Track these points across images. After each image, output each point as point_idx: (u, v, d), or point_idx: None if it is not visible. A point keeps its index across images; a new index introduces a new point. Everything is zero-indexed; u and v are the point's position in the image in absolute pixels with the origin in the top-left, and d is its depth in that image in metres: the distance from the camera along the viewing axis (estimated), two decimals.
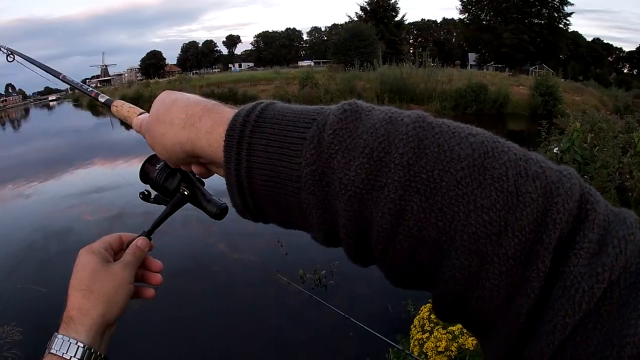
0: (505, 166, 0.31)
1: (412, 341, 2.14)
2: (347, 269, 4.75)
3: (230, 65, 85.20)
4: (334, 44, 42.30)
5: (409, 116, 0.35)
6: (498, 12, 45.07)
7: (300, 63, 74.07)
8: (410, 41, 71.18)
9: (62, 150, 16.34)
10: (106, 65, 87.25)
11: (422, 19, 78.58)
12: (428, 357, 1.95)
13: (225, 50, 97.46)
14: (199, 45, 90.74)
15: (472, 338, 1.90)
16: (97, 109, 34.99)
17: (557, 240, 0.29)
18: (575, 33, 59.70)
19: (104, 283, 0.60)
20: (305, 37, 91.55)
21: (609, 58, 71.30)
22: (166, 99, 0.54)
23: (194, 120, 0.48)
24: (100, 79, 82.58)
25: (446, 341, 1.90)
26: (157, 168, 0.67)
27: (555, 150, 3.71)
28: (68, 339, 0.56)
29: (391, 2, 50.85)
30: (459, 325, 1.99)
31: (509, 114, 20.38)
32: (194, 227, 6.44)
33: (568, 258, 0.29)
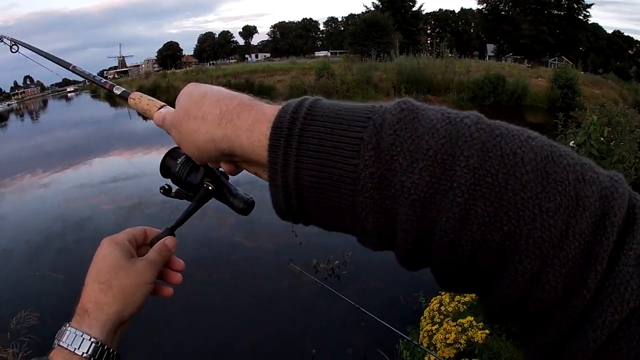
0: (566, 170, 0.31)
1: (421, 333, 2.15)
2: (360, 259, 4.78)
3: (246, 56, 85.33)
4: (351, 34, 42.03)
5: (468, 117, 0.35)
6: (517, 3, 44.29)
7: (317, 53, 73.80)
8: (428, 31, 70.07)
9: (80, 140, 16.64)
10: (123, 57, 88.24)
11: (440, 9, 77.22)
12: (437, 349, 1.96)
13: (241, 41, 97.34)
14: (216, 36, 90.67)
15: (482, 331, 1.91)
16: (114, 100, 35.39)
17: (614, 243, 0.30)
18: (595, 25, 58.23)
19: (124, 279, 0.57)
20: (321, 27, 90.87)
21: (630, 51, 69.21)
22: (194, 91, 0.51)
23: (231, 116, 0.46)
24: (118, 70, 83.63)
25: (455, 333, 1.91)
26: (178, 162, 0.64)
27: (571, 144, 3.66)
28: (81, 333, 0.53)
29: None
30: (469, 318, 2.00)
31: (527, 106, 20.02)
32: (210, 216, 6.51)
33: (618, 258, 0.30)
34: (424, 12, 56.80)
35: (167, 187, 0.67)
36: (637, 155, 3.68)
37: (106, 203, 8.46)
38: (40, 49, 0.99)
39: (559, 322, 0.31)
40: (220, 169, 0.61)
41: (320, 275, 4.48)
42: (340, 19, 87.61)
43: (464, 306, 2.17)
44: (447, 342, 1.92)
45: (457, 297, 2.25)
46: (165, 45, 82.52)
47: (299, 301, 4.60)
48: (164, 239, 0.64)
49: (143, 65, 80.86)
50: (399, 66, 22.97)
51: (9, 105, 58.13)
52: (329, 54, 64.11)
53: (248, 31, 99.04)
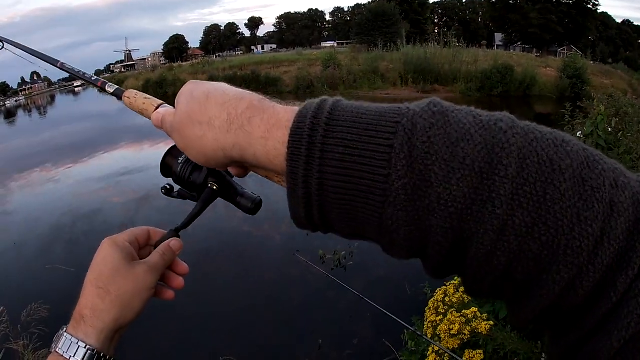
0: (602, 176, 0.31)
1: (426, 323, 2.16)
2: (366, 250, 4.79)
3: (252, 48, 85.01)
4: (357, 25, 41.83)
5: (501, 120, 0.33)
6: None
7: (323, 44, 73.40)
8: (435, 21, 69.41)
9: (88, 134, 16.73)
10: (130, 51, 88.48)
11: None
12: (441, 339, 1.97)
13: (247, 33, 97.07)
14: (221, 28, 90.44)
15: (485, 322, 1.92)
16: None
17: None
18: (605, 14, 57.63)
19: (123, 285, 0.54)
20: (328, 17, 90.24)
21: None
22: (195, 91, 0.47)
23: (241, 122, 0.42)
24: (124, 64, 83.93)
25: (459, 324, 1.92)
26: (179, 161, 0.61)
27: (578, 134, 3.63)
28: (77, 340, 0.52)
29: None
30: (474, 309, 2.00)
31: (535, 96, 19.84)
32: (217, 206, 6.54)
33: None
34: (431, 1, 56.51)
35: (168, 186, 0.65)
36: None
37: (115, 196, 8.54)
38: (29, 46, 0.95)
39: (584, 323, 0.31)
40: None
41: (327, 267, 4.49)
42: (346, 9, 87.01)
43: (469, 297, 2.17)
44: (451, 332, 1.92)
45: (462, 288, 2.25)
46: (171, 38, 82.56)
47: (305, 292, 4.63)
48: (168, 240, 0.61)
49: (149, 59, 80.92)
50: (406, 56, 22.87)
51: (16, 101, 58.64)
52: (335, 45, 63.72)
53: (254, 22, 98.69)
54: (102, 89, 0.75)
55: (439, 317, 2.09)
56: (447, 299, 2.15)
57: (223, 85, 0.47)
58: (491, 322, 1.93)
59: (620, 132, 3.56)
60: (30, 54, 0.93)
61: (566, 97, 16.42)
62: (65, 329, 0.54)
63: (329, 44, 70.62)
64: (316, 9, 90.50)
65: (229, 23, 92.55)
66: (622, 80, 24.88)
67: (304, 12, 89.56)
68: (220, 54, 73.15)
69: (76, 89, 63.89)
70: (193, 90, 0.47)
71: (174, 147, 0.61)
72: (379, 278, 4.61)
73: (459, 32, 35.54)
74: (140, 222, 6.55)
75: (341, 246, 4.72)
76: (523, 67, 21.12)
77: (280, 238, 5.84)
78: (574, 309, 0.32)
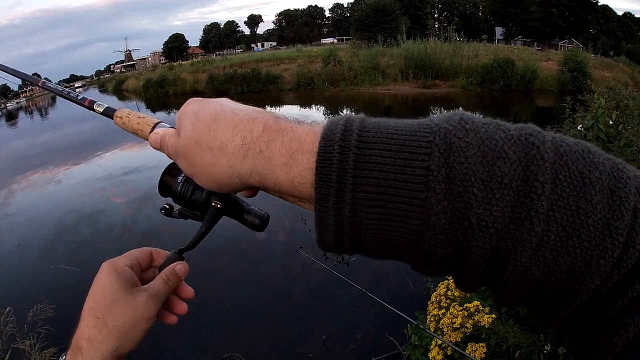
0: (628, 185, 0.31)
1: (428, 317, 2.17)
2: None
3: (253, 46, 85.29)
4: (357, 21, 41.80)
5: (532, 135, 0.33)
6: None
7: (324, 41, 73.45)
8: (435, 16, 69.18)
9: (90, 135, 16.74)
10: (130, 51, 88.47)
11: None
12: (444, 333, 1.98)
13: (247, 31, 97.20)
14: (221, 26, 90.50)
15: (488, 315, 1.93)
16: (122, 94, 35.65)
17: None
18: (605, 7, 57.60)
19: (121, 315, 0.51)
20: (327, 14, 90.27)
21: None
22: (201, 113, 0.43)
23: (259, 147, 0.39)
24: (125, 64, 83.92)
25: (462, 318, 1.93)
26: (179, 180, 0.57)
27: (579, 128, 3.63)
28: None
29: None
30: (476, 303, 2.01)
31: (537, 90, 19.77)
32: None
33: None
34: None
35: (168, 207, 0.61)
36: None
37: (118, 196, 8.56)
38: (10, 67, 0.87)
39: (601, 318, 0.32)
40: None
41: (330, 263, 4.51)
42: (346, 5, 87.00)
43: None
44: (454, 326, 1.93)
45: None
46: (171, 37, 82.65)
47: (309, 288, 4.65)
48: (174, 265, 0.57)
49: (150, 59, 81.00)
50: (406, 52, 22.80)
51: (18, 103, 58.65)
52: (335, 41, 63.73)
53: (254, 20, 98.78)
54: (91, 109, 0.68)
55: (442, 311, 2.10)
56: (449, 292, 2.16)
57: (229, 104, 0.44)
58: (494, 316, 1.94)
59: (621, 125, 3.56)
60: (11, 74, 0.86)
61: (568, 90, 16.44)
62: (64, 357, 0.53)
63: (329, 40, 70.65)
64: (316, 6, 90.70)
65: (229, 21, 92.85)
66: (624, 73, 24.80)
67: (304, 9, 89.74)
68: (221, 52, 73.30)
69: (77, 90, 63.89)
70: (198, 112, 0.43)
71: (172, 166, 0.58)
72: (382, 274, 4.61)
73: (459, 26, 35.44)
74: (143, 222, 6.63)
75: None
76: (524, 61, 21.04)
77: (283, 235, 5.86)
78: (594, 306, 0.33)
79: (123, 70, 74.39)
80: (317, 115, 17.01)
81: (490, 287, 0.36)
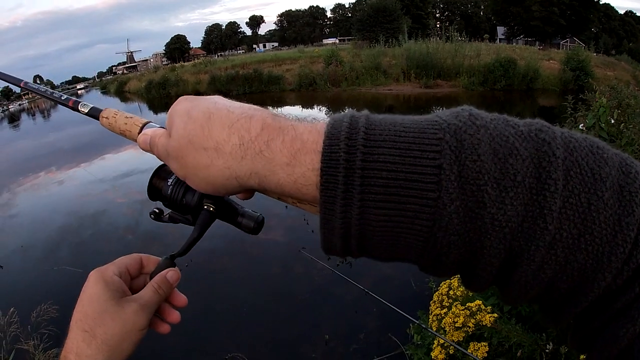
0: (637, 179, 0.31)
1: (430, 316, 2.18)
2: None
3: (254, 46, 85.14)
4: (358, 21, 41.82)
5: (541, 131, 0.32)
6: None
7: (325, 41, 73.32)
8: (437, 15, 69.10)
9: (91, 136, 16.78)
10: (131, 52, 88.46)
11: None
12: (446, 332, 1.99)
13: (248, 31, 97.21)
14: (222, 27, 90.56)
15: (490, 314, 1.93)
16: (124, 94, 35.73)
17: None
18: (607, 5, 57.42)
19: (110, 327, 0.48)
20: (329, 14, 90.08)
21: None
22: (193, 111, 0.41)
23: (257, 147, 0.37)
24: (127, 65, 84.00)
25: (464, 317, 1.93)
26: (169, 183, 0.54)
27: (580, 127, 3.64)
28: None
29: None
30: (478, 302, 2.01)
31: (539, 89, 19.70)
32: None
33: None
34: None
35: (157, 211, 0.58)
36: None
37: (120, 197, 8.58)
38: None
39: (607, 312, 0.32)
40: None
41: (332, 262, 4.51)
42: (347, 6, 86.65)
43: None
44: (456, 325, 1.93)
45: None
46: (172, 38, 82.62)
47: (311, 288, 4.65)
48: (164, 272, 0.54)
49: (151, 60, 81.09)
50: (408, 51, 22.80)
51: (20, 105, 58.84)
52: (337, 41, 63.68)
53: (255, 21, 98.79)
54: (75, 109, 0.65)
55: (444, 310, 2.10)
56: (451, 292, 2.17)
57: (223, 101, 0.41)
58: (495, 315, 1.94)
59: (622, 124, 3.56)
60: None
61: (569, 89, 16.35)
62: None
63: (330, 40, 70.56)
64: (317, 6, 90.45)
65: (230, 22, 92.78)
66: (626, 72, 24.69)
67: (305, 10, 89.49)
68: (222, 53, 73.19)
69: (79, 92, 64.22)
70: (190, 110, 0.41)
71: (161, 168, 0.56)
72: (385, 274, 4.61)
73: (461, 26, 35.54)
74: (146, 223, 6.63)
75: None
76: (526, 60, 20.98)
77: (285, 235, 5.87)
78: (602, 301, 0.32)
79: (125, 71, 74.55)
80: (319, 115, 16.95)
81: (499, 286, 0.35)
